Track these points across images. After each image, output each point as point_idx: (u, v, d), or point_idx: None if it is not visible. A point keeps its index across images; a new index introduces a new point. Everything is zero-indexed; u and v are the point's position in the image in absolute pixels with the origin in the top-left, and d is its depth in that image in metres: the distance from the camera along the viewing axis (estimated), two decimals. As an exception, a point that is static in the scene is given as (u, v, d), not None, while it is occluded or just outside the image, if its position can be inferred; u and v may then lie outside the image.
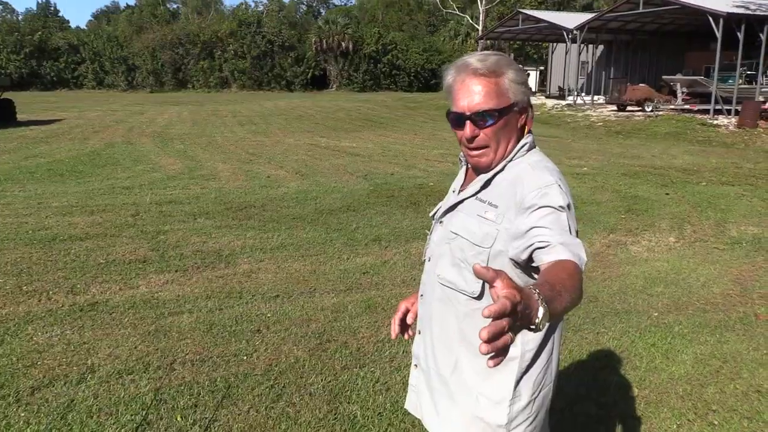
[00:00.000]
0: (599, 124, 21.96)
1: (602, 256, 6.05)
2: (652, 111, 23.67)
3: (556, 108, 27.65)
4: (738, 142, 16.83)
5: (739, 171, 11.51)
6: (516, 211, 1.51)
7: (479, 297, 1.59)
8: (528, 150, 1.62)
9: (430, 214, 1.87)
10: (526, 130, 1.64)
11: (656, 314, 4.49)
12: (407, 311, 1.90)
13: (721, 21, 20.52)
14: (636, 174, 10.92)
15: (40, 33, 49.75)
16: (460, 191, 1.73)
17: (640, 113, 23.83)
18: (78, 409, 3.22)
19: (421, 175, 10.39)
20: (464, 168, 1.79)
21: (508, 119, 1.57)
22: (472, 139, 1.59)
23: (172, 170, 10.98)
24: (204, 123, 21.12)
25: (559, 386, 3.41)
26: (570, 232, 1.45)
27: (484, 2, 44.34)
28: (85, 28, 64.59)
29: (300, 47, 52.14)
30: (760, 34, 20.73)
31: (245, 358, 3.79)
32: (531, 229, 1.46)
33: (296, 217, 7.44)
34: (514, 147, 1.62)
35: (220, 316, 4.47)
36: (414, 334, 1.89)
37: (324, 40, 51.03)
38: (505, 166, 1.60)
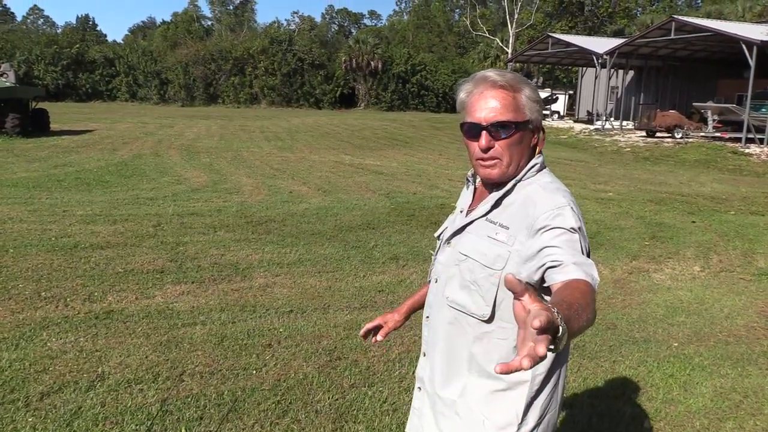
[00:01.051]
0: (627, 149, 21.72)
1: (623, 283, 5.93)
2: (681, 138, 23.36)
3: (584, 132, 27.45)
4: (770, 171, 16.49)
5: (770, 201, 11.25)
6: (528, 232, 1.49)
7: (489, 320, 1.56)
8: (538, 171, 1.60)
9: (436, 235, 1.84)
10: (537, 151, 1.63)
11: (676, 344, 4.36)
12: (380, 327, 2.01)
13: (755, 49, 20.24)
14: (662, 201, 10.74)
15: (77, 46, 51.05)
16: (468, 212, 1.70)
17: (669, 140, 23.53)
18: (85, 416, 3.23)
19: (443, 195, 10.35)
20: (471, 188, 1.77)
21: (523, 135, 1.57)
22: (486, 150, 1.57)
23: (197, 183, 11.10)
24: (231, 138, 21.37)
25: (572, 415, 3.34)
26: (582, 253, 1.43)
27: (514, 25, 44.42)
28: (122, 42, 66.23)
29: (330, 65, 52.66)
30: (795, 63, 20.39)
31: (254, 372, 3.77)
32: (543, 248, 1.44)
33: (315, 233, 7.45)
34: (524, 165, 1.60)
35: (232, 329, 4.46)
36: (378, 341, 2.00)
37: (354, 59, 51.46)
38: (515, 185, 1.59)
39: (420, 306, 2.05)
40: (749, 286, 5.96)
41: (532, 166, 1.59)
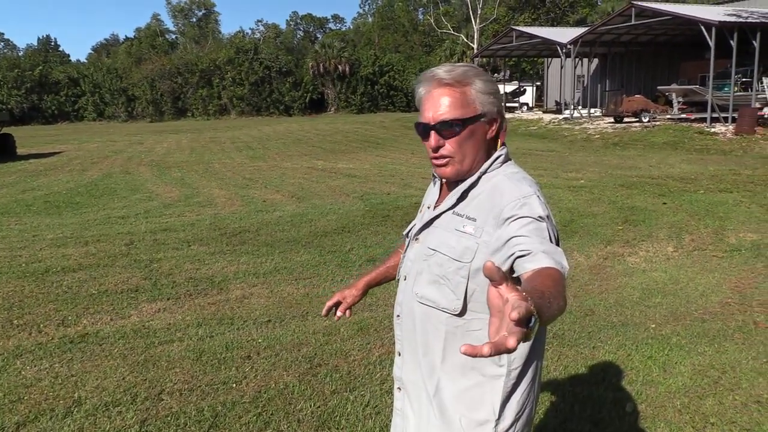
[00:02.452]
0: (596, 136, 21.97)
1: (599, 269, 5.98)
2: (648, 122, 23.68)
3: (554, 122, 27.71)
4: (736, 149, 16.80)
5: (738, 178, 11.45)
6: (495, 223, 1.48)
7: (461, 314, 1.54)
8: (503, 162, 1.59)
9: (404, 233, 1.83)
10: (499, 143, 1.61)
11: (653, 326, 4.41)
12: (339, 303, 2.05)
13: (714, 30, 20.60)
14: (633, 185, 10.87)
15: (40, 68, 50.23)
16: (435, 207, 1.69)
17: (637, 124, 23.85)
18: (62, 444, 3.16)
19: (417, 194, 10.36)
20: (438, 183, 1.75)
21: (474, 129, 1.54)
22: (437, 149, 1.57)
23: (169, 198, 10.97)
24: (202, 150, 21.20)
25: (554, 403, 3.35)
26: (551, 241, 1.43)
27: (478, 21, 44.70)
28: (86, 61, 65.28)
29: (297, 72, 52.54)
30: (753, 42, 20.79)
31: (234, 385, 3.72)
32: (511, 238, 1.42)
33: (290, 240, 7.40)
34: (483, 159, 1.58)
35: (210, 343, 4.40)
36: (341, 316, 2.05)
37: (321, 64, 51.41)
38: (479, 178, 1.57)
39: (377, 282, 2.09)
40: (721, 263, 6.05)
41: (497, 158, 1.58)
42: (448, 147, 1.56)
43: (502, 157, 1.58)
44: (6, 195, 11.71)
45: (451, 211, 1.60)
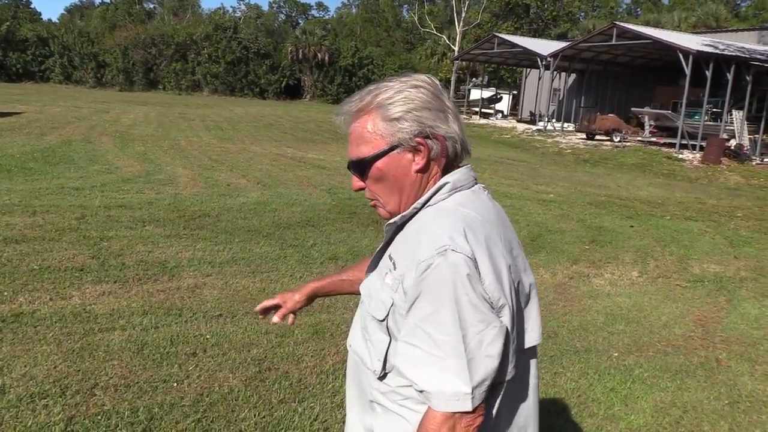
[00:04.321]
0: (568, 151, 22.11)
1: (564, 288, 5.88)
2: (620, 141, 23.96)
3: (527, 132, 27.85)
4: (702, 177, 17.05)
5: (703, 207, 11.56)
6: (412, 284, 1.17)
7: (381, 378, 1.27)
8: (450, 192, 1.25)
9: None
10: (436, 169, 1.26)
11: (616, 354, 4.30)
12: (278, 306, 1.81)
13: (691, 58, 20.91)
14: (602, 204, 10.87)
15: (8, 23, 48.36)
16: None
17: (608, 143, 24.10)
18: (-24, 438, 2.88)
19: (386, 193, 10.16)
20: None
21: (387, 166, 1.25)
22: (359, 191, 1.34)
23: (129, 173, 10.55)
24: (170, 125, 20.61)
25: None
26: (445, 347, 1.10)
27: (461, 24, 44.70)
28: (57, 21, 63.26)
29: (276, 55, 51.79)
30: (727, 74, 21.16)
31: (175, 384, 3.47)
32: (401, 343, 1.17)
33: (251, 229, 7.13)
34: (416, 193, 1.27)
35: (154, 335, 4.13)
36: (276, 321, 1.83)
37: (300, 50, 50.79)
38: (418, 211, 1.27)
39: (326, 293, 1.82)
40: (685, 293, 6.01)
41: (440, 187, 1.25)
42: (370, 188, 1.31)
43: (449, 185, 1.25)
44: (-45, 153, 11.12)
45: (387, 250, 1.32)
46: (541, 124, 29.79)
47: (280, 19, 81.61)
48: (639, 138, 24.49)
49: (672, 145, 22.13)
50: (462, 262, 1.10)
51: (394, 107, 1.23)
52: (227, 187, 9.89)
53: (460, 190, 1.25)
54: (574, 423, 3.32)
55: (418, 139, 1.23)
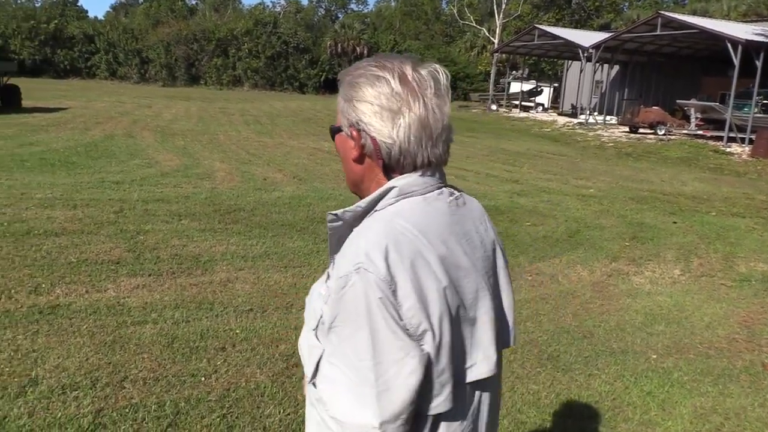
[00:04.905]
0: (610, 144, 21.61)
1: (602, 286, 5.72)
2: (664, 135, 23.31)
3: (568, 126, 27.34)
4: (750, 171, 16.44)
5: (751, 203, 11.13)
6: None
7: (315, 384, 1.16)
8: (397, 197, 1.13)
9: None
10: (377, 170, 1.16)
11: (655, 357, 4.14)
12: None
13: (740, 48, 20.17)
14: (643, 199, 10.57)
15: (56, 21, 49.77)
16: None
17: (652, 136, 23.48)
18: (8, 428, 2.92)
19: (421, 187, 10.08)
20: None
21: (339, 144, 1.21)
22: None
23: (168, 167, 10.71)
24: (210, 120, 20.89)
25: (542, 436, 3.10)
26: (361, 373, 1.02)
27: (501, 16, 44.12)
28: (102, 19, 64.80)
29: (315, 50, 52.03)
30: (779, 64, 20.35)
31: (203, 379, 3.48)
32: (324, 361, 1.11)
33: (285, 224, 7.14)
34: (363, 188, 1.19)
35: (185, 328, 4.16)
36: None
37: (339, 44, 50.92)
38: (363, 212, 1.16)
39: None
40: (730, 292, 5.77)
41: (387, 191, 1.13)
42: None
43: (395, 191, 1.13)
44: (2, 148, 11.44)
45: (336, 253, 1.20)
46: (583, 117, 29.19)
47: (319, 14, 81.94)
48: (684, 131, 23.77)
49: (719, 139, 21.40)
50: (374, 284, 1.01)
51: (349, 90, 1.16)
52: (263, 181, 9.95)
53: (409, 196, 1.13)
54: (607, 428, 3.20)
55: (352, 129, 1.15)
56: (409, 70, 1.13)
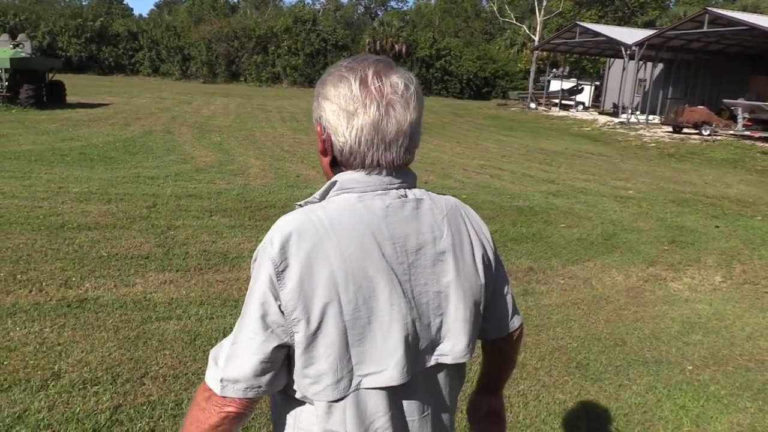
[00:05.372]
0: (652, 144, 21.05)
1: (637, 292, 5.52)
2: (709, 135, 22.62)
3: (609, 125, 26.77)
4: (800, 174, 15.79)
5: (800, 207, 10.67)
6: None
7: None
8: (338, 191, 1.18)
9: None
10: (325, 163, 1.23)
11: (690, 368, 3.96)
12: None
13: (792, 45, 19.41)
14: (685, 201, 10.23)
15: (102, 19, 50.94)
16: None
17: (696, 136, 22.81)
18: (27, 422, 2.94)
19: (455, 186, 9.95)
20: None
21: (318, 138, 1.23)
22: None
23: (203, 162, 10.81)
24: (247, 117, 21.08)
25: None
26: (235, 329, 1.14)
27: (542, 13, 43.47)
28: (146, 16, 66.15)
29: (353, 47, 52.10)
30: (834, 62, 19.53)
31: (222, 378, 3.44)
32: None
33: (315, 221, 7.10)
34: (327, 177, 1.25)
35: (208, 326, 4.15)
36: None
37: (377, 42, 50.87)
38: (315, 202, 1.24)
39: None
40: (774, 301, 5.51)
41: (332, 184, 1.19)
42: None
43: (337, 185, 1.18)
44: (45, 142, 11.73)
45: None
46: (624, 116, 28.53)
47: (358, 11, 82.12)
48: (731, 132, 23.01)
49: (768, 140, 20.67)
50: (267, 263, 1.09)
51: (319, 87, 1.21)
52: (296, 178, 9.96)
53: (347, 192, 1.17)
54: (636, 442, 3.06)
55: (318, 124, 1.21)
56: (371, 75, 1.15)
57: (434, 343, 1.18)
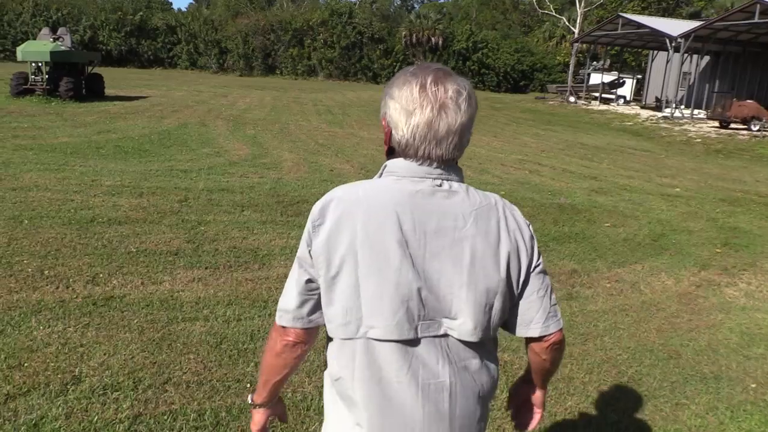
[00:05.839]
0: (697, 140, 20.31)
1: (690, 298, 5.17)
2: (759, 130, 21.73)
3: (651, 120, 25.96)
4: None
5: None
6: None
7: None
8: (380, 175, 1.40)
9: None
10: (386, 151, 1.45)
11: (754, 386, 3.63)
12: None
13: None
14: (736, 201, 9.73)
15: (141, 13, 51.57)
16: None
17: (744, 132, 21.94)
18: (43, 430, 2.79)
19: (493, 182, 9.64)
20: None
21: (383, 130, 1.45)
22: None
23: (236, 156, 10.70)
24: (282, 109, 21.00)
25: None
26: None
27: (582, 4, 42.47)
28: (185, 10, 66.86)
29: (390, 40, 51.74)
30: None
31: (248, 385, 3.26)
32: None
33: (348, 218, 6.90)
34: None
35: (235, 328, 3.97)
36: None
37: (414, 34, 50.41)
38: None
39: None
40: (841, 311, 5.10)
41: (384, 168, 1.40)
42: None
43: (386, 168, 1.39)
44: (81, 135, 11.77)
45: None
46: (668, 110, 27.64)
47: (395, 4, 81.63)
48: (782, 127, 22.09)
49: (822, 136, 19.74)
50: (312, 218, 1.36)
51: (387, 87, 1.38)
52: (330, 172, 9.78)
53: (391, 175, 1.36)
54: (699, 472, 2.77)
55: (383, 118, 1.39)
56: (429, 81, 1.32)
57: (444, 315, 1.32)
